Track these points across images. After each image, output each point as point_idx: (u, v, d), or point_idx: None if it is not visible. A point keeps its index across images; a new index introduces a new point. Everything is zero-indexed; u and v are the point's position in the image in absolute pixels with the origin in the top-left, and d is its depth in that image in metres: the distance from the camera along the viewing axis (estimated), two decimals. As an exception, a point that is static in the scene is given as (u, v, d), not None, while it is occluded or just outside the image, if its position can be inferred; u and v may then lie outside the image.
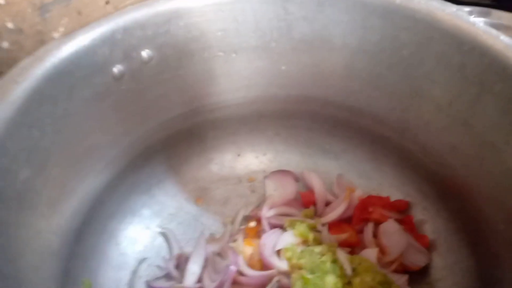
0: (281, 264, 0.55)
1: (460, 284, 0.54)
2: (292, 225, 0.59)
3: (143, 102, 0.60)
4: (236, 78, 0.65)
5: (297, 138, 0.73)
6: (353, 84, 0.62)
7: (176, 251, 0.63)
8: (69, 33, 0.49)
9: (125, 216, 0.64)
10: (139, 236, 0.65)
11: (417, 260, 0.58)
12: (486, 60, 0.45)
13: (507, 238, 0.45)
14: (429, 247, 0.60)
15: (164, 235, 0.66)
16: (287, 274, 0.55)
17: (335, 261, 0.53)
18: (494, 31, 0.45)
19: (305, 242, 0.57)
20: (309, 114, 0.69)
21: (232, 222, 0.66)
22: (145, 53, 0.56)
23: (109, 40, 0.51)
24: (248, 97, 0.68)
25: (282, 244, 0.56)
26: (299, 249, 0.56)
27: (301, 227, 0.57)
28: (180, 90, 0.63)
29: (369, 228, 0.61)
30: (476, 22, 0.47)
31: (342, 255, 0.54)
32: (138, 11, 0.53)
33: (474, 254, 0.53)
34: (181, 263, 0.61)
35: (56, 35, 0.59)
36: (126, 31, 0.53)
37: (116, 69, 0.54)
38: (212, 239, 0.63)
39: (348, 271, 0.52)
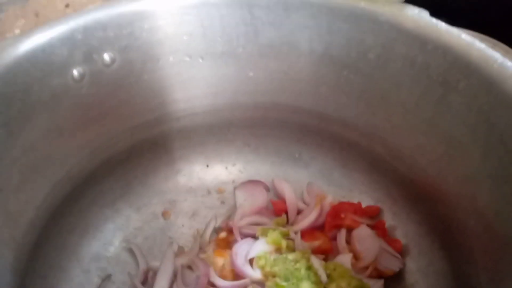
0: (254, 273, 0.52)
1: (434, 286, 0.54)
2: (265, 233, 0.57)
3: (104, 107, 0.57)
4: (203, 84, 0.64)
5: (267, 147, 0.71)
6: (321, 90, 0.62)
7: (143, 267, 0.59)
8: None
9: (87, 230, 0.60)
10: (103, 252, 0.61)
11: (391, 264, 0.57)
12: (449, 59, 0.46)
13: (477, 233, 0.45)
14: (402, 251, 0.59)
15: (129, 250, 0.62)
16: (260, 283, 0.52)
17: (309, 267, 0.51)
18: (455, 30, 0.46)
19: (278, 250, 0.55)
20: (279, 122, 0.69)
21: (202, 234, 0.64)
22: (107, 56, 0.54)
23: (68, 40, 0.49)
24: (216, 105, 0.66)
25: (254, 252, 0.54)
26: (272, 257, 0.54)
27: (274, 235, 0.55)
28: (144, 96, 0.61)
29: (342, 234, 0.60)
30: (438, 22, 0.48)
31: (316, 262, 0.52)
32: (100, 11, 0.51)
33: (446, 255, 0.53)
34: (148, 278, 0.58)
35: (10, 36, 0.56)
36: (87, 31, 0.50)
37: (76, 71, 0.51)
38: (181, 252, 0.60)
39: (323, 277, 0.51)
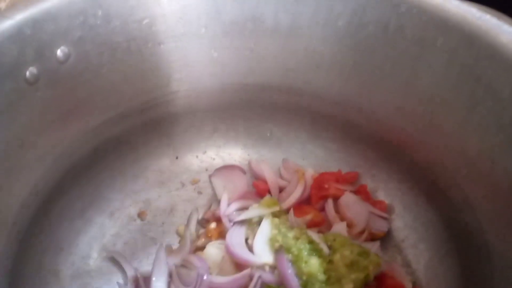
0: (256, 258, 0.51)
1: (425, 238, 0.56)
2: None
3: (63, 109, 0.51)
4: (165, 71, 0.59)
5: (237, 129, 0.69)
6: (289, 65, 0.61)
7: (131, 273, 0.55)
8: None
9: (62, 247, 0.54)
10: (83, 266, 0.55)
11: (381, 226, 0.59)
12: (424, 18, 0.47)
13: (472, 181, 0.47)
14: (387, 211, 0.61)
15: (111, 259, 0.57)
16: (264, 267, 0.51)
17: (311, 242, 0.51)
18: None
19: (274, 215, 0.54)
20: (247, 102, 0.66)
21: (186, 230, 0.60)
22: (60, 51, 0.48)
23: (17, 37, 0.42)
24: (180, 92, 0.62)
25: (250, 214, 0.53)
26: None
27: (265, 201, 0.55)
28: (105, 91, 0.55)
29: (330, 204, 0.60)
30: (409, -18, 0.48)
31: (316, 236, 0.52)
32: (47, 0, 0.44)
33: (434, 207, 0.55)
34: (140, 285, 0.54)
35: None
36: (36, 25, 0.44)
37: (29, 72, 0.44)
38: (170, 251, 0.57)
39: (326, 249, 0.51)
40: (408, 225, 0.60)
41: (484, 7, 0.42)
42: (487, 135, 0.43)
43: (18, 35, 0.42)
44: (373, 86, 0.56)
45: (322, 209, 0.61)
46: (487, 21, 0.42)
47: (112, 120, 0.59)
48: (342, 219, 0.59)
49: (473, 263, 0.49)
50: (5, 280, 0.44)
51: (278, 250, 0.50)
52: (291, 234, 0.52)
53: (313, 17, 0.55)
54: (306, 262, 0.48)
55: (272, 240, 0.51)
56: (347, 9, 0.53)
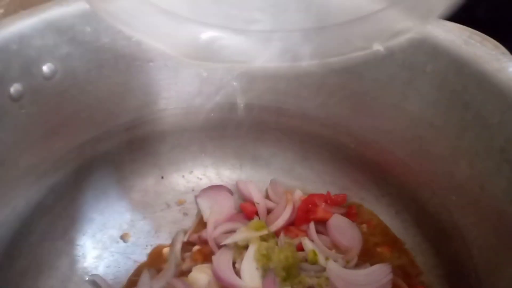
0: (244, 283, 0.49)
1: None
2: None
3: (48, 126, 0.50)
4: (154, 89, 0.59)
5: (224, 149, 0.68)
6: (279, 86, 0.61)
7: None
8: None
9: (41, 269, 0.52)
10: (62, 291, 0.53)
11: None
12: (415, 43, 0.47)
13: (461, 207, 0.47)
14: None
15: (93, 283, 0.55)
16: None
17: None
18: (416, 15, 0.47)
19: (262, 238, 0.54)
20: (235, 122, 0.65)
21: (171, 253, 0.58)
22: (46, 67, 0.47)
23: (2, 52, 0.41)
24: (168, 110, 0.62)
25: (237, 237, 0.53)
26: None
27: (253, 224, 0.54)
28: (90, 109, 0.54)
29: (311, 227, 0.58)
30: (398, 9, 0.49)
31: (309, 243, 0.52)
32: (35, 16, 0.44)
33: (422, 231, 0.55)
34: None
35: None
36: (22, 41, 0.43)
37: (13, 88, 0.43)
38: (154, 275, 0.55)
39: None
40: (396, 249, 0.59)
41: (475, 31, 0.43)
42: (476, 161, 0.44)
43: (3, 50, 0.41)
44: (362, 109, 0.57)
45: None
46: (475, 48, 0.43)
47: (97, 138, 0.58)
48: (333, 242, 0.58)
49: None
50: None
51: (266, 274, 0.49)
52: (280, 256, 0.51)
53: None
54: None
55: (260, 264, 0.49)
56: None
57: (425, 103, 0.49)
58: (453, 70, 0.44)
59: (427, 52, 0.47)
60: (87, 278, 0.55)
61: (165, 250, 0.59)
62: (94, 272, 0.57)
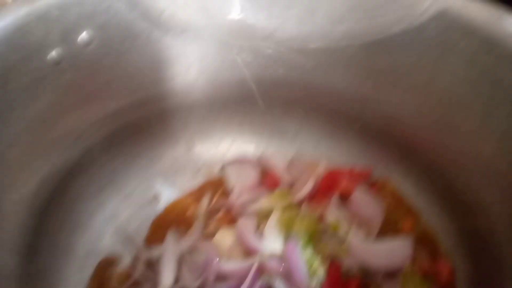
0: (267, 247, 0.51)
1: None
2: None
3: (84, 92, 0.53)
4: (186, 61, 0.60)
5: (252, 122, 0.69)
6: (307, 62, 0.61)
7: (141, 257, 0.56)
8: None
9: (76, 226, 0.56)
10: (96, 246, 0.57)
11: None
12: (447, 20, 0.47)
13: (486, 186, 0.46)
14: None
15: (124, 242, 0.58)
16: (272, 256, 0.51)
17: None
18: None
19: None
20: (263, 96, 0.67)
21: (198, 216, 0.61)
22: (85, 34, 0.49)
23: (44, 17, 0.43)
24: (199, 83, 0.63)
25: (261, 205, 0.54)
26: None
27: (277, 193, 0.56)
28: (124, 78, 0.56)
29: (334, 199, 0.59)
30: (431, -18, 0.48)
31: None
32: (75, -16, 0.46)
33: (446, 209, 0.55)
34: (149, 266, 0.55)
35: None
36: (63, 7, 0.45)
37: (55, 52, 0.46)
38: (180, 237, 0.58)
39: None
40: (419, 226, 0.59)
41: (508, 9, 0.42)
42: (505, 139, 0.43)
43: (45, 15, 0.43)
44: (391, 86, 0.56)
45: (330, 205, 0.61)
46: (508, 26, 0.42)
47: (130, 106, 0.60)
48: (354, 216, 0.58)
49: (483, 269, 0.48)
50: (23, 253, 0.45)
51: (288, 240, 0.51)
52: (302, 225, 0.52)
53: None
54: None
55: (282, 231, 0.51)
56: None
57: (455, 81, 0.48)
58: (485, 48, 0.44)
59: (459, 29, 0.46)
60: (118, 237, 0.59)
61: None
62: (126, 231, 0.60)
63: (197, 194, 0.65)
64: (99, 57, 0.52)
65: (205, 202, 0.63)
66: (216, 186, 0.66)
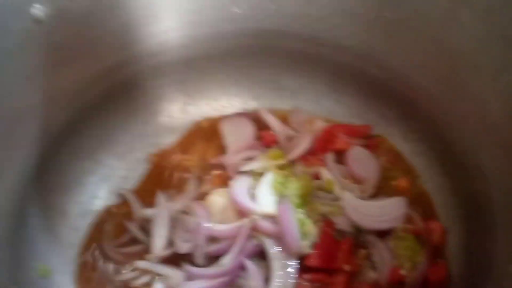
0: (258, 207, 0.51)
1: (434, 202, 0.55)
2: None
3: (74, 49, 0.50)
4: (180, 13, 0.57)
5: (251, 78, 0.67)
6: (311, 11, 0.57)
7: (138, 214, 0.56)
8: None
9: (70, 186, 0.56)
10: (90, 206, 0.57)
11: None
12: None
13: (487, 149, 0.45)
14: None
15: (121, 196, 0.58)
16: (265, 217, 0.51)
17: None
18: None
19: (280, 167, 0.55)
20: (263, 50, 0.64)
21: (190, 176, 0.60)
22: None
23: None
24: (194, 36, 0.60)
25: (255, 165, 0.54)
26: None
27: (272, 152, 0.56)
28: (115, 32, 0.54)
29: (329, 157, 0.58)
30: None
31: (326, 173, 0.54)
32: None
33: (445, 170, 0.54)
34: (145, 225, 0.55)
35: None
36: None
37: (36, 9, 0.43)
38: (174, 196, 0.57)
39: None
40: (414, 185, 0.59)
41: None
42: (510, 103, 0.41)
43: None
44: (397, 40, 0.53)
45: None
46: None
47: (123, 61, 0.58)
48: (349, 173, 0.57)
49: (475, 234, 0.48)
50: (14, 217, 0.45)
51: (281, 201, 0.51)
52: (296, 185, 0.51)
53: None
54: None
55: (276, 191, 0.51)
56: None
57: (466, 37, 0.45)
58: (499, 2, 0.40)
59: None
60: (115, 192, 0.58)
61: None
62: (121, 190, 0.60)
63: (185, 144, 0.64)
64: (88, 12, 0.50)
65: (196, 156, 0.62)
66: (208, 139, 0.64)
